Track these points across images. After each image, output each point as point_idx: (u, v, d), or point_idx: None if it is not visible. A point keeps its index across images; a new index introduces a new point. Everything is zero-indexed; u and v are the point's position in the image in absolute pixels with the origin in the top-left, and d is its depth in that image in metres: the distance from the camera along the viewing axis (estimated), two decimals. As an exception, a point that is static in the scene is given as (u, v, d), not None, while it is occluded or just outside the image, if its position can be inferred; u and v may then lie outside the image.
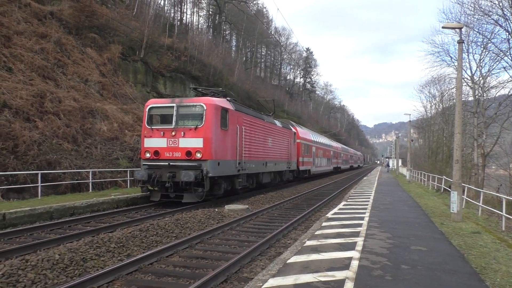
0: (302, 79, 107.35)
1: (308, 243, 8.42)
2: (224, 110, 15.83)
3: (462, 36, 14.61)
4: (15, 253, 7.72)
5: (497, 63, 32.56)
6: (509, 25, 26.77)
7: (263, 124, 21.10)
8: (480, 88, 32.39)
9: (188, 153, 14.68)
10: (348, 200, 17.55)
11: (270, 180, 23.64)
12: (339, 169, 60.02)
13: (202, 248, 9.06)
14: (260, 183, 21.65)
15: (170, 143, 14.99)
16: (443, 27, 14.89)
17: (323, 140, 46.22)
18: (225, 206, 15.38)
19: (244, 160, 17.72)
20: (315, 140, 39.73)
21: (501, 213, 12.71)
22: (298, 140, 30.90)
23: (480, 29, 30.21)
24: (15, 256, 7.29)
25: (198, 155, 14.57)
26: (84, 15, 27.75)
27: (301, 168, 32.15)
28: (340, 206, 15.39)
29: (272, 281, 5.73)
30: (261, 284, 5.60)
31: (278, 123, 25.33)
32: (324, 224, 10.93)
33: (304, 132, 35.79)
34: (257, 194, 21.10)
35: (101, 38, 29.49)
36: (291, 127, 29.47)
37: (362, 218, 11.92)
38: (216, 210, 14.06)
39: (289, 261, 6.91)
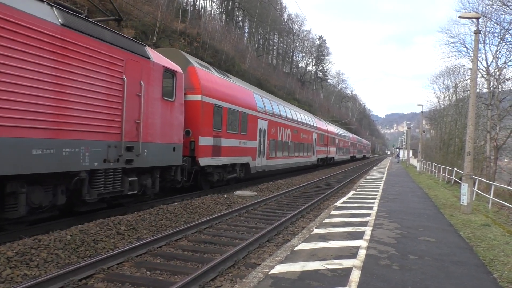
0: (314, 67, 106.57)
1: (316, 231, 8.46)
2: None
3: (479, 27, 14.33)
4: (28, 233, 7.88)
5: (514, 54, 31.85)
6: (528, 15, 26.20)
7: None
8: (495, 80, 31.85)
9: None
10: (357, 190, 17.53)
11: None
12: (330, 161, 42.28)
13: (211, 233, 9.16)
14: None
15: None
16: (459, 17, 14.63)
17: (290, 113, 26.84)
18: (234, 192, 15.50)
19: None
20: (269, 109, 21.88)
21: (512, 206, 12.61)
22: (195, 97, 13.94)
23: (498, 19, 29.62)
24: (28, 235, 7.44)
25: None
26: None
27: (210, 160, 14.65)
28: (349, 195, 15.39)
29: (279, 267, 5.78)
30: (268, 270, 5.66)
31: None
32: (332, 212, 10.95)
33: (220, 82, 16.29)
34: (266, 181, 21.18)
35: (114, 21, 29.48)
36: (153, 54, 11.15)
37: (370, 208, 11.92)
38: (225, 196, 14.15)
39: (296, 248, 6.96)
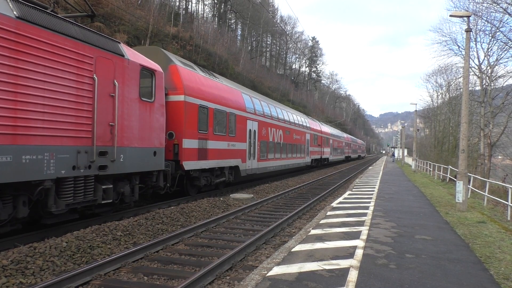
0: (307, 68, 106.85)
1: (313, 232, 8.46)
2: None
3: (470, 25, 14.44)
4: (23, 241, 7.82)
5: (505, 52, 32.03)
6: (518, 13, 26.41)
7: None
8: (487, 78, 32.09)
9: None
10: (353, 190, 17.56)
11: None
12: (324, 162, 40.55)
13: (207, 237, 9.14)
14: None
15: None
16: (450, 16, 14.71)
17: (281, 113, 25.95)
18: (230, 195, 15.48)
19: None
20: (259, 109, 21.14)
21: (507, 202, 12.68)
22: (177, 98, 13.20)
23: (488, 17, 29.80)
24: (23, 243, 7.38)
25: None
26: (90, 4, 27.75)
27: (195, 164, 13.92)
28: (345, 195, 15.41)
29: (277, 269, 5.77)
30: (266, 272, 5.65)
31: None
32: (329, 213, 10.96)
33: (205, 81, 15.45)
34: (262, 183, 21.18)
35: (106, 27, 29.44)
36: (128, 51, 10.30)
37: (367, 208, 11.94)
38: (221, 199, 14.13)
39: (293, 249, 6.95)
